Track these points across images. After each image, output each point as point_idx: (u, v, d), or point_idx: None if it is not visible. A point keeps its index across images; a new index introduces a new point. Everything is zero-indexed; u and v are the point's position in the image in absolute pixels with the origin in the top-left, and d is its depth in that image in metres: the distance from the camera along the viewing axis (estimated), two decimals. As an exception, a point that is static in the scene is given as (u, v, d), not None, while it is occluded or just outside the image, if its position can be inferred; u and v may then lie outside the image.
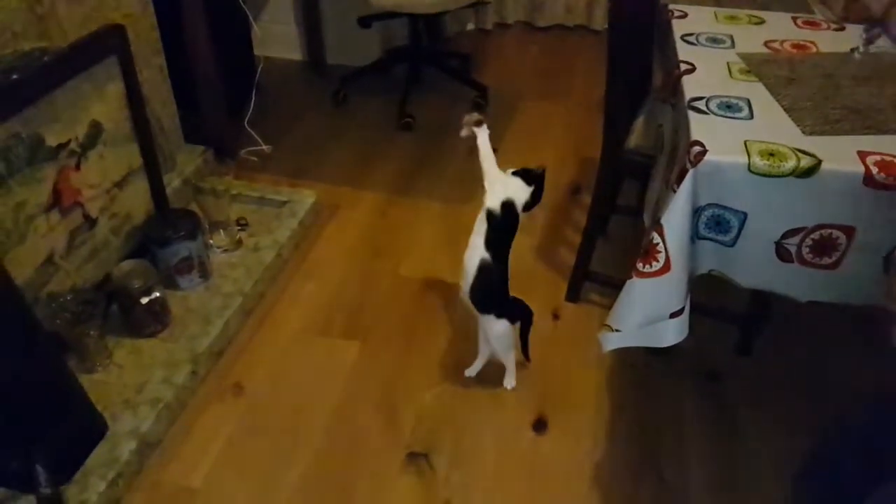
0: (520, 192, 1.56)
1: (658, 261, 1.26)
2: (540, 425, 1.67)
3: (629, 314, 1.33)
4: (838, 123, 1.26)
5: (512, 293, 1.62)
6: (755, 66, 1.45)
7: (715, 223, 1.26)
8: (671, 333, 1.32)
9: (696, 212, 1.25)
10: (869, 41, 0.80)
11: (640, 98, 1.86)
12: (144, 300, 1.71)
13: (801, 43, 1.56)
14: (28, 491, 1.37)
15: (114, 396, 1.60)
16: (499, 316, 1.60)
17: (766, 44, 1.56)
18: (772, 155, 1.18)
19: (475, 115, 1.56)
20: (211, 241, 2.05)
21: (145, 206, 1.96)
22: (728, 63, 1.47)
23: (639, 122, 1.80)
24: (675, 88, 1.46)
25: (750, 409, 1.71)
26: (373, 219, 2.37)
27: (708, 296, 1.54)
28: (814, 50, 1.53)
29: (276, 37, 3.28)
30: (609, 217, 2.22)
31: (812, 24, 1.64)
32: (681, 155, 1.28)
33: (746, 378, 1.79)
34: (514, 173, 1.58)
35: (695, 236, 1.28)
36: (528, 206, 1.59)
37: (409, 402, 1.72)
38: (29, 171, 1.54)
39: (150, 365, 1.69)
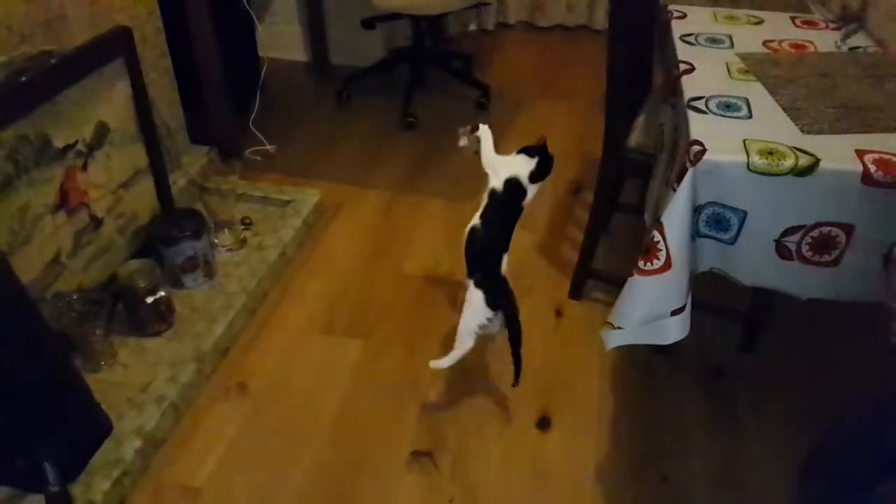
0: (523, 166, 1.61)
1: (659, 259, 1.27)
2: (544, 423, 1.68)
3: (631, 312, 1.34)
4: (836, 122, 1.27)
5: (516, 290, 1.61)
6: (754, 66, 1.46)
7: (715, 221, 1.27)
8: (673, 331, 1.32)
9: (696, 210, 1.26)
10: (847, 35, 0.81)
11: (640, 97, 1.87)
12: (150, 299, 1.72)
13: (800, 42, 1.57)
14: (34, 490, 1.38)
15: (119, 395, 1.61)
16: (476, 285, 1.55)
17: (764, 43, 1.57)
18: (770, 154, 1.19)
19: (469, 127, 1.59)
20: (216, 241, 2.07)
21: (151, 206, 1.98)
22: (727, 63, 1.48)
23: (639, 121, 1.81)
24: (674, 88, 1.47)
25: (753, 407, 1.72)
26: (376, 217, 2.39)
27: (711, 293, 1.55)
28: (812, 49, 1.54)
29: (281, 38, 3.30)
30: (611, 214, 2.23)
31: (810, 24, 1.65)
32: (680, 154, 1.29)
33: (749, 375, 1.80)
34: (517, 153, 1.63)
35: (695, 234, 1.29)
36: (536, 176, 1.61)
37: (412, 401, 1.73)
38: (36, 171, 1.55)
39: (155, 364, 1.70)
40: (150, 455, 1.57)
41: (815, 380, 1.78)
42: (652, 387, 1.78)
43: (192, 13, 2.27)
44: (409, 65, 3.13)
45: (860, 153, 1.18)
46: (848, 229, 1.21)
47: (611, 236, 2.23)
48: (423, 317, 1.96)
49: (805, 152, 1.18)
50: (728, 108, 1.33)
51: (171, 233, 1.86)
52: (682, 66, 1.47)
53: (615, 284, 1.35)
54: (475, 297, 1.56)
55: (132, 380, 1.66)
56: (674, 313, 1.32)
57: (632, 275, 1.31)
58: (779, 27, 1.65)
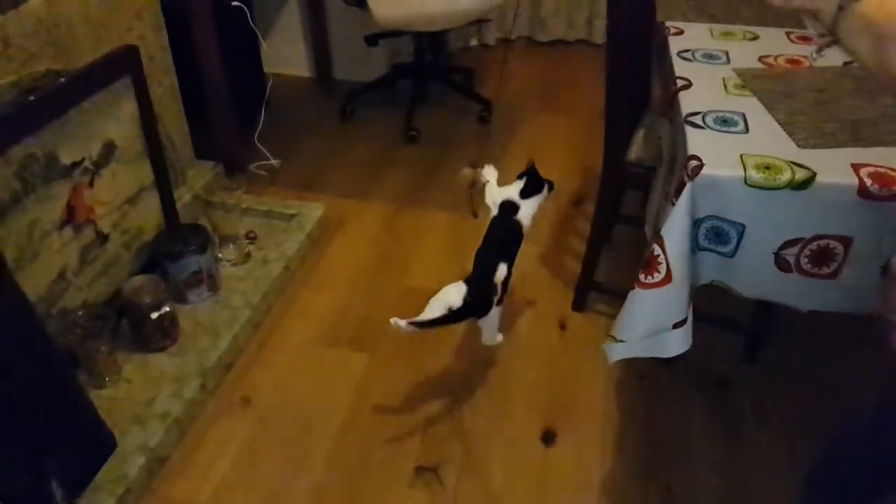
0: (515, 188, 1.72)
1: (659, 272, 1.28)
2: (548, 437, 1.68)
3: (633, 325, 1.35)
4: (832, 136, 1.28)
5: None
6: (750, 81, 1.48)
7: (714, 235, 1.28)
8: (675, 344, 1.33)
9: (696, 224, 1.27)
10: (820, 49, 0.81)
11: (639, 111, 1.89)
12: (154, 315, 1.74)
13: (795, 58, 1.58)
14: (39, 508, 1.39)
15: (123, 412, 1.62)
16: (464, 280, 1.60)
17: (760, 59, 1.58)
18: (767, 168, 1.20)
19: (468, 170, 1.63)
20: (220, 255, 2.08)
21: (156, 222, 2.00)
22: (723, 78, 1.50)
23: (639, 135, 1.82)
24: (672, 103, 1.48)
25: (757, 418, 1.72)
26: (380, 231, 2.40)
27: (713, 305, 1.56)
28: (807, 64, 1.56)
29: (285, 54, 3.33)
30: (613, 226, 2.24)
31: (805, 39, 1.67)
32: (679, 168, 1.30)
33: (753, 386, 1.80)
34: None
35: (695, 247, 1.30)
36: (525, 192, 1.72)
37: (417, 415, 1.74)
38: (43, 189, 1.57)
39: (159, 379, 1.71)
40: (155, 471, 1.57)
41: (819, 390, 1.78)
42: (656, 399, 1.78)
43: (198, 31, 2.29)
44: (412, 80, 3.16)
45: (856, 167, 1.19)
46: (846, 242, 1.22)
47: (613, 248, 2.24)
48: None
49: (801, 166, 1.20)
50: (725, 123, 1.34)
51: (175, 248, 1.88)
52: (680, 82, 1.48)
53: (618, 296, 1.36)
54: (454, 286, 1.59)
55: (136, 396, 1.67)
56: (675, 326, 1.33)
57: (633, 288, 1.32)
58: (774, 43, 1.66)
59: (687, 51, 1.62)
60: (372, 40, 3.15)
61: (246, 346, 1.91)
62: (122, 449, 1.53)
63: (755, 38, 1.69)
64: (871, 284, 1.18)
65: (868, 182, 1.16)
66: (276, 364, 1.88)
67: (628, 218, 2.22)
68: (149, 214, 1.96)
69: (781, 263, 1.27)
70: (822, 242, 1.23)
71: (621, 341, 1.37)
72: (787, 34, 1.70)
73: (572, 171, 2.69)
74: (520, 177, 1.76)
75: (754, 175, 1.19)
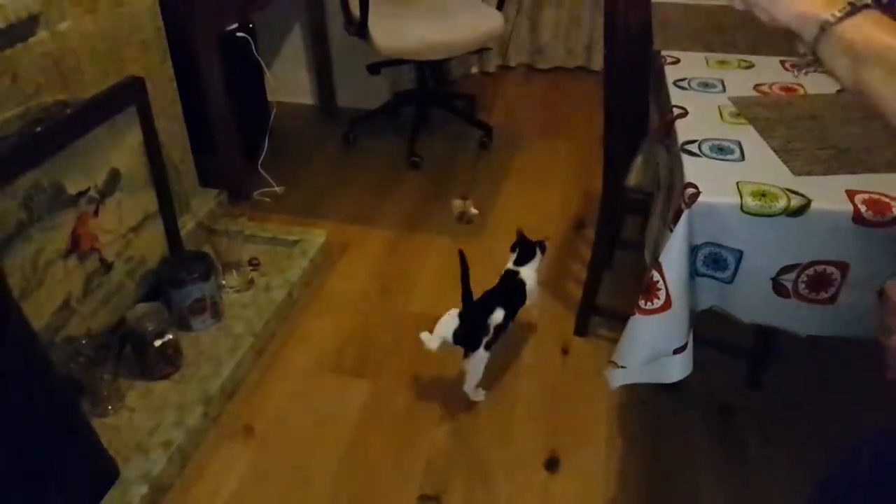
0: (511, 261, 1.93)
1: (659, 298, 1.29)
2: (552, 464, 1.68)
3: (633, 351, 1.35)
4: (826, 163, 1.30)
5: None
6: (745, 109, 1.49)
7: (712, 261, 1.29)
8: (676, 369, 1.34)
9: (694, 250, 1.28)
10: (803, 66, 0.83)
11: (637, 138, 1.91)
12: (157, 343, 1.74)
13: (789, 86, 1.60)
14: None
15: (125, 440, 1.62)
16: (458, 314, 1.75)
17: (755, 87, 1.60)
18: (763, 195, 1.21)
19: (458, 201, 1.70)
20: (223, 282, 2.10)
21: (160, 250, 2.01)
22: (719, 107, 1.52)
23: (637, 161, 1.84)
24: (668, 131, 1.50)
25: (761, 443, 1.72)
26: (382, 256, 2.42)
27: (715, 329, 1.56)
28: (801, 92, 1.57)
29: (289, 83, 3.37)
30: (613, 251, 2.25)
31: (799, 68, 1.69)
32: (676, 196, 1.31)
33: (756, 411, 1.80)
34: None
35: (694, 273, 1.31)
36: (519, 260, 1.90)
37: (420, 441, 1.74)
38: (49, 218, 1.59)
39: (162, 407, 1.71)
40: (157, 500, 1.57)
41: (822, 414, 1.78)
42: (659, 424, 1.78)
43: (202, 61, 2.33)
44: (414, 107, 3.19)
45: (850, 193, 1.21)
46: (843, 267, 1.23)
47: (614, 272, 2.25)
48: (430, 356, 1.96)
49: (797, 193, 1.21)
50: (721, 150, 1.35)
51: (179, 275, 1.89)
52: (676, 111, 1.50)
53: (620, 321, 1.37)
54: (448, 317, 1.74)
55: (139, 424, 1.67)
56: (676, 352, 1.33)
57: (633, 314, 1.33)
58: (769, 71, 1.68)
59: (683, 79, 1.64)
60: (374, 69, 3.19)
61: (249, 374, 1.92)
62: (124, 477, 1.52)
63: (750, 66, 1.71)
64: (868, 309, 1.19)
65: (862, 208, 1.18)
66: (278, 391, 1.88)
67: (629, 243, 2.24)
68: (153, 242, 1.98)
69: (779, 289, 1.28)
70: (819, 268, 1.24)
71: (622, 367, 1.38)
72: (782, 62, 1.72)
73: (573, 196, 2.71)
74: (512, 248, 1.93)
75: (750, 202, 1.20)
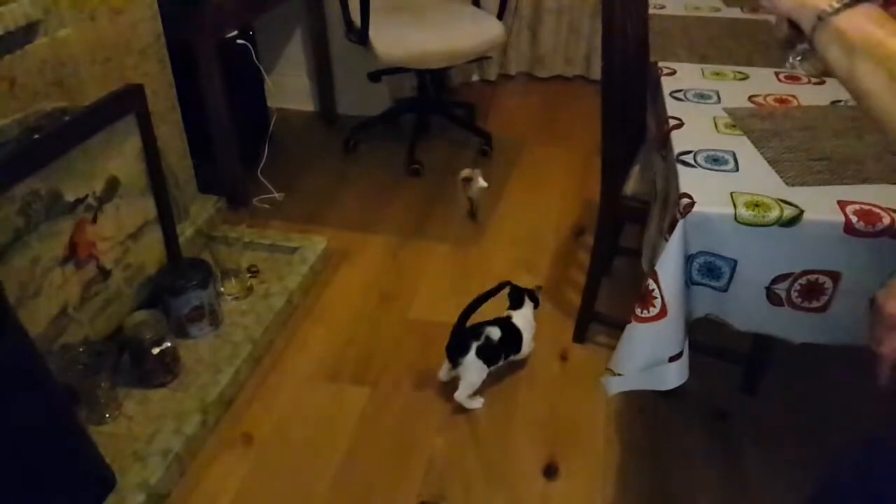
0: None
1: (655, 306, 1.30)
2: (551, 470, 1.68)
3: (630, 358, 1.36)
4: (819, 174, 1.30)
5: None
6: (740, 121, 1.50)
7: (707, 270, 1.30)
8: (672, 376, 1.35)
9: (689, 259, 1.29)
10: (797, 55, 0.84)
11: (635, 147, 1.92)
12: (155, 350, 1.75)
13: (784, 97, 1.61)
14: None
15: (123, 448, 1.61)
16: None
17: (750, 98, 1.61)
18: (757, 206, 1.22)
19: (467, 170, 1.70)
20: (222, 289, 2.10)
21: (158, 257, 2.02)
22: (714, 118, 1.52)
23: (635, 170, 1.85)
24: (664, 142, 1.51)
25: (758, 449, 1.72)
26: (382, 263, 2.42)
27: (712, 336, 1.58)
28: (795, 103, 1.58)
29: (289, 89, 3.39)
30: (612, 258, 2.26)
31: (793, 79, 1.70)
32: (671, 206, 1.32)
33: (753, 417, 1.81)
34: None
35: (689, 282, 1.31)
36: (513, 305, 1.93)
37: (419, 449, 1.74)
38: (46, 225, 1.59)
39: (160, 415, 1.71)
40: (154, 509, 1.57)
41: (818, 420, 1.79)
42: (657, 430, 1.79)
43: (202, 68, 2.35)
44: (414, 114, 3.21)
45: (842, 204, 1.21)
46: (834, 276, 1.24)
47: (613, 279, 2.26)
48: (429, 363, 1.98)
49: (790, 204, 1.22)
50: (716, 161, 1.36)
51: (177, 283, 1.89)
52: (672, 122, 1.51)
53: (618, 327, 1.38)
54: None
55: (137, 432, 1.67)
56: (672, 359, 1.34)
57: (630, 322, 1.34)
58: (763, 82, 1.69)
59: (679, 91, 1.65)
60: (375, 77, 3.20)
61: (247, 381, 1.92)
62: (121, 486, 1.52)
63: (745, 77, 1.72)
64: (859, 317, 1.20)
65: (854, 219, 1.18)
66: (277, 399, 1.89)
67: (628, 250, 2.24)
68: (151, 249, 1.99)
69: (773, 297, 1.28)
70: (812, 277, 1.25)
71: (619, 374, 1.39)
72: (776, 74, 1.72)
73: (572, 204, 2.71)
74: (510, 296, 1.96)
75: (744, 212, 1.21)
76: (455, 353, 1.78)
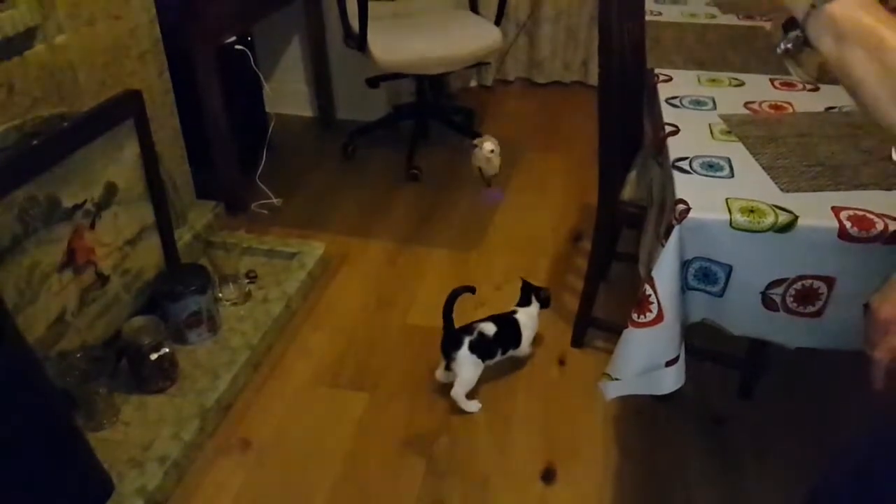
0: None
1: (651, 311, 1.30)
2: (549, 475, 1.69)
3: (627, 363, 1.37)
4: (814, 180, 1.31)
5: None
6: (735, 127, 1.51)
7: (703, 275, 1.31)
8: (668, 381, 1.36)
9: (685, 264, 1.29)
10: (789, 42, 0.85)
11: (632, 153, 1.92)
12: (153, 356, 1.75)
13: (779, 104, 1.61)
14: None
15: (121, 454, 1.61)
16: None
17: (745, 105, 1.61)
18: (752, 211, 1.22)
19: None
20: (220, 295, 2.10)
21: (156, 262, 2.02)
22: (710, 124, 1.53)
23: (632, 175, 1.86)
24: (661, 149, 1.52)
25: (754, 453, 1.73)
26: (381, 268, 2.43)
27: (708, 341, 1.58)
28: (790, 110, 1.58)
29: (288, 95, 3.40)
30: (610, 263, 2.27)
31: (789, 86, 1.70)
32: (667, 212, 1.33)
33: (749, 421, 1.81)
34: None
35: (685, 287, 1.32)
36: (521, 303, 1.98)
37: (418, 454, 1.74)
38: (45, 231, 1.60)
39: (158, 421, 1.71)
40: (152, 515, 1.57)
41: (815, 424, 1.79)
42: (654, 435, 1.79)
43: (200, 74, 2.35)
44: (413, 120, 3.21)
45: (836, 210, 1.22)
46: (829, 281, 1.24)
47: (610, 284, 2.26)
48: (428, 368, 1.98)
49: (784, 210, 1.22)
50: (711, 167, 1.37)
51: (175, 288, 1.90)
52: (668, 128, 1.52)
53: (616, 332, 1.39)
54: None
55: (134, 438, 1.67)
56: (668, 364, 1.34)
57: (626, 327, 1.34)
58: (759, 89, 1.69)
59: (675, 97, 1.65)
60: (373, 82, 3.21)
61: (245, 387, 1.92)
62: (119, 492, 1.52)
63: (741, 84, 1.73)
64: (854, 322, 1.20)
65: (848, 225, 1.19)
66: (275, 405, 1.89)
67: (625, 255, 2.25)
68: (149, 255, 1.99)
69: (768, 303, 1.29)
70: (807, 282, 1.25)
71: (616, 379, 1.39)
72: (772, 80, 1.73)
73: (570, 209, 2.72)
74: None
75: (739, 218, 1.22)
76: (448, 347, 1.80)
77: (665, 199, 1.41)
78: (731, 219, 1.22)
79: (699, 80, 1.75)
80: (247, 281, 2.19)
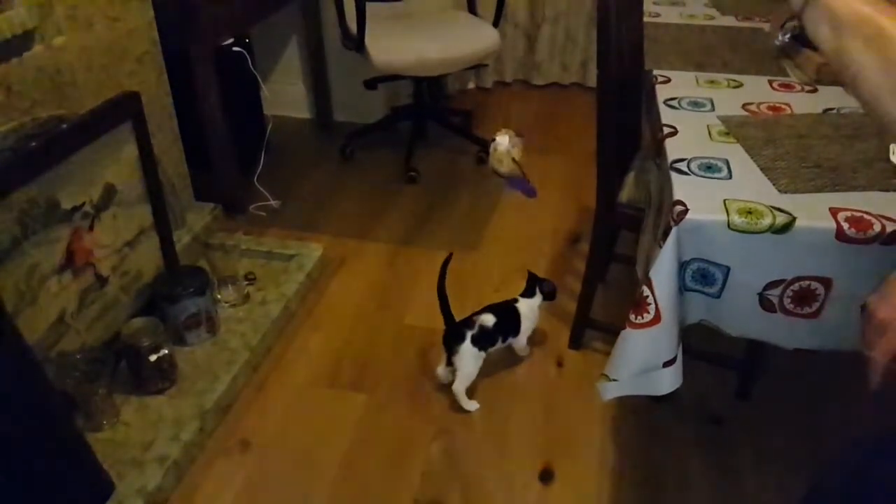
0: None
1: (649, 313, 1.31)
2: (546, 475, 1.69)
3: (625, 364, 1.37)
4: (811, 182, 1.31)
5: None
6: (734, 128, 1.51)
7: (700, 276, 1.31)
8: (666, 382, 1.36)
9: (682, 266, 1.30)
10: (786, 31, 0.85)
11: (630, 154, 1.93)
12: (153, 357, 1.75)
13: (777, 105, 1.62)
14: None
15: (120, 455, 1.62)
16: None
17: (743, 106, 1.62)
18: (749, 213, 1.23)
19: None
20: (219, 297, 2.11)
21: (155, 264, 2.02)
22: (708, 126, 1.53)
23: (630, 177, 1.86)
24: (659, 150, 1.52)
25: (751, 454, 1.73)
26: (379, 270, 2.43)
27: (707, 342, 1.58)
28: (788, 112, 1.59)
29: (285, 97, 3.40)
30: (608, 265, 2.27)
31: (787, 87, 1.71)
32: (665, 213, 1.33)
33: (747, 422, 1.82)
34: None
35: (682, 288, 1.32)
36: (525, 294, 1.98)
37: (416, 454, 1.75)
38: (43, 233, 1.60)
39: (158, 422, 1.72)
40: (152, 516, 1.57)
41: (811, 424, 1.80)
42: (652, 435, 1.79)
43: (199, 75, 2.35)
44: (411, 121, 3.22)
45: (833, 211, 1.22)
46: (826, 283, 1.25)
47: (608, 286, 2.27)
48: (426, 369, 1.99)
49: (782, 211, 1.23)
50: (709, 169, 1.37)
51: (174, 290, 1.90)
52: (666, 130, 1.52)
53: (614, 334, 1.39)
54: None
55: (134, 439, 1.67)
56: (665, 365, 1.35)
57: (624, 328, 1.35)
58: (757, 90, 1.70)
59: (673, 99, 1.66)
60: (371, 84, 3.21)
61: (244, 388, 1.92)
62: (119, 493, 1.52)
63: (739, 85, 1.73)
64: (851, 323, 1.21)
65: (845, 226, 1.19)
66: (274, 406, 1.89)
67: (623, 257, 2.25)
68: (148, 257, 1.99)
69: (765, 304, 1.29)
70: (804, 283, 1.26)
71: (614, 380, 1.39)
72: (770, 82, 1.74)
73: (568, 211, 2.72)
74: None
75: (737, 220, 1.22)
76: (451, 341, 1.82)
77: (663, 201, 1.41)
78: (728, 220, 1.22)
79: (697, 82, 1.75)
80: (245, 283, 2.19)
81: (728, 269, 1.28)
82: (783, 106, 1.62)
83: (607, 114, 1.69)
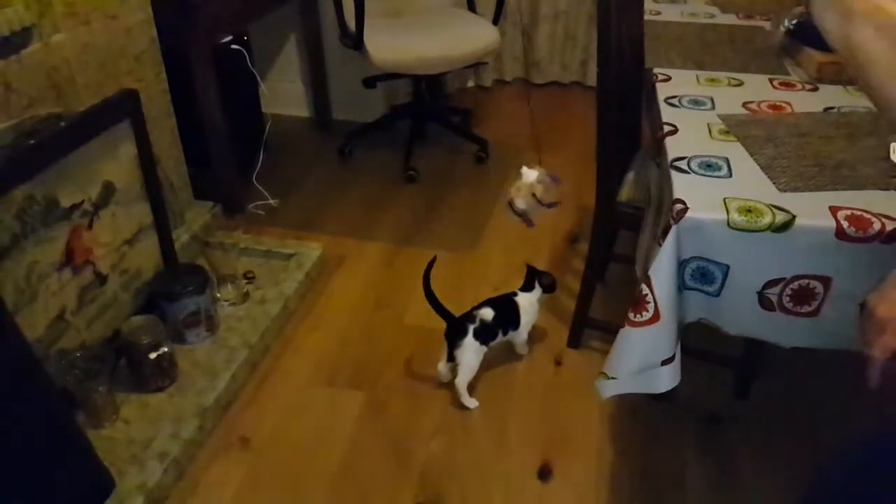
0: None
1: (648, 311, 1.31)
2: (545, 473, 1.69)
3: (623, 362, 1.37)
4: (811, 180, 1.31)
5: None
6: (734, 127, 1.51)
7: (700, 275, 1.31)
8: (664, 380, 1.36)
9: (682, 264, 1.30)
10: (792, 18, 0.84)
11: (629, 154, 1.93)
12: (152, 355, 1.75)
13: (777, 103, 1.62)
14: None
15: (121, 452, 1.62)
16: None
17: (744, 105, 1.62)
18: (749, 211, 1.23)
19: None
20: (218, 295, 2.10)
21: (154, 263, 2.02)
22: (708, 124, 1.53)
23: (629, 177, 1.86)
24: (659, 148, 1.52)
25: (749, 452, 1.73)
26: (378, 269, 2.43)
27: (705, 341, 1.59)
28: (789, 110, 1.59)
29: (284, 95, 3.39)
30: (607, 264, 2.27)
31: (787, 86, 1.71)
32: (665, 211, 1.33)
33: (745, 421, 1.82)
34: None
35: (682, 287, 1.32)
36: (524, 288, 1.98)
37: (415, 453, 1.75)
38: (43, 231, 1.60)
39: (158, 420, 1.72)
40: (152, 513, 1.57)
41: (809, 423, 1.80)
42: (650, 434, 1.80)
43: (197, 74, 2.35)
44: (410, 120, 3.21)
45: (833, 209, 1.23)
46: (825, 281, 1.25)
47: (607, 286, 2.27)
48: (424, 368, 1.99)
49: (782, 209, 1.23)
50: (709, 167, 1.37)
51: (173, 288, 1.90)
52: (666, 128, 1.52)
53: (612, 333, 1.39)
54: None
55: (134, 436, 1.68)
56: (664, 363, 1.35)
57: (623, 326, 1.35)
58: (758, 89, 1.70)
59: (674, 97, 1.66)
60: (370, 83, 3.20)
61: (244, 386, 1.92)
62: (120, 490, 1.53)
63: (740, 84, 1.73)
64: (850, 322, 1.21)
65: (845, 224, 1.20)
66: (274, 404, 1.89)
67: (622, 256, 2.25)
68: (147, 255, 1.99)
69: (765, 302, 1.29)
70: (803, 282, 1.26)
71: (612, 378, 1.39)
72: (770, 80, 1.74)
73: (567, 210, 2.72)
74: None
75: (737, 218, 1.22)
76: (453, 336, 1.82)
77: (662, 200, 1.41)
78: (728, 218, 1.23)
79: (698, 80, 1.75)
80: (245, 281, 2.19)
81: (727, 267, 1.28)
82: (784, 104, 1.62)
83: (607, 113, 1.69)
